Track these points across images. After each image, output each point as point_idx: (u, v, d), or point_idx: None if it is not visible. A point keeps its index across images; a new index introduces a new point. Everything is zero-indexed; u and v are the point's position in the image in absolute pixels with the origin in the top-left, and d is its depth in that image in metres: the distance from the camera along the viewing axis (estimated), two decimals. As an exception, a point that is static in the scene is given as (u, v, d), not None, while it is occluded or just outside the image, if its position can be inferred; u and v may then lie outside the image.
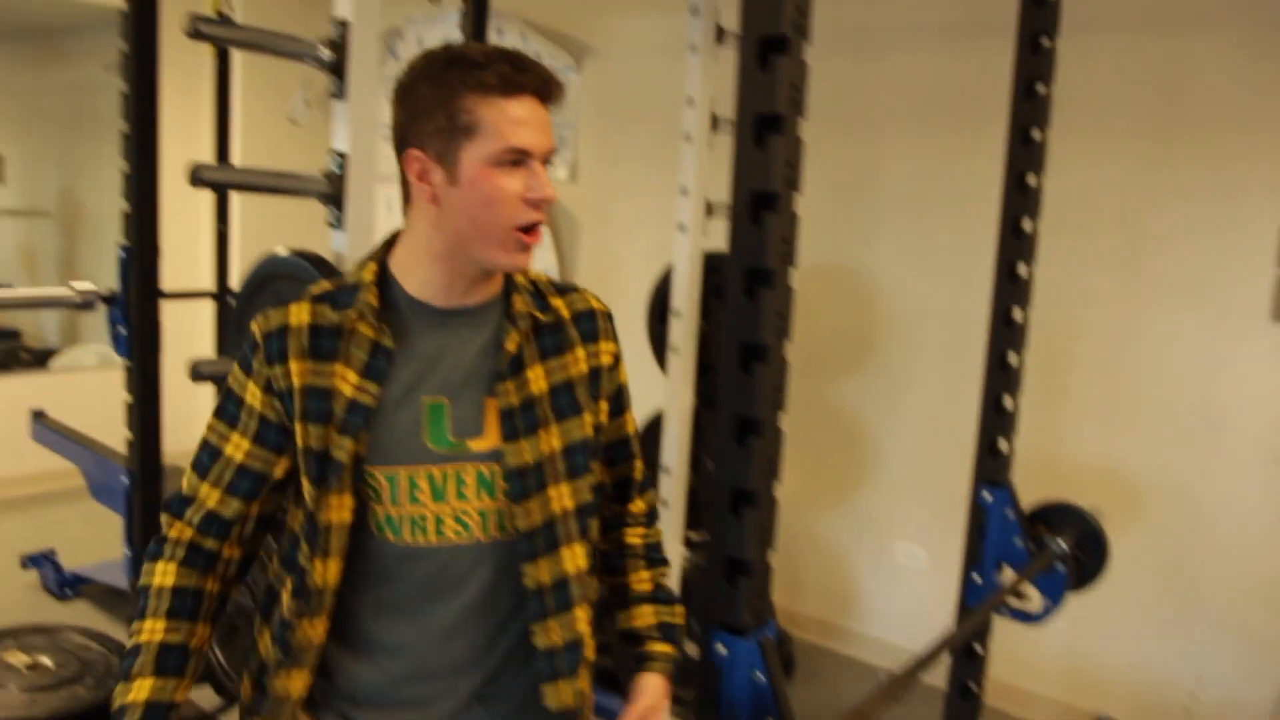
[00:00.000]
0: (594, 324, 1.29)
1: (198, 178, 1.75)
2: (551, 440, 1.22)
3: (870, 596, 3.46)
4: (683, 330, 2.60)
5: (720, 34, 2.53)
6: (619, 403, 1.35)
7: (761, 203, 1.30)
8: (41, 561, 3.64)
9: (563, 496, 1.22)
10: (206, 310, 4.49)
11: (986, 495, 2.11)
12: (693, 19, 2.50)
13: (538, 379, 1.22)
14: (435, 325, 1.20)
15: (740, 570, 1.40)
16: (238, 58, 4.73)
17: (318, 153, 5.12)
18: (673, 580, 2.71)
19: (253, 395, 1.18)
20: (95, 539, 3.99)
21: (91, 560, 3.67)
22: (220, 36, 1.73)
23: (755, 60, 1.27)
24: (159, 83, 2.44)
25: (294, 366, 1.15)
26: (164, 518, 1.21)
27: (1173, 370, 2.78)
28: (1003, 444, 2.11)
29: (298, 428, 1.16)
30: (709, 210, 2.61)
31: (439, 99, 1.11)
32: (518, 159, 1.11)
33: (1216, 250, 2.70)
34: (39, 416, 3.11)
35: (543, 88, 1.13)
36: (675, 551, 2.71)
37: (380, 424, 1.16)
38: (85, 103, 5.59)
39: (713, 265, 2.66)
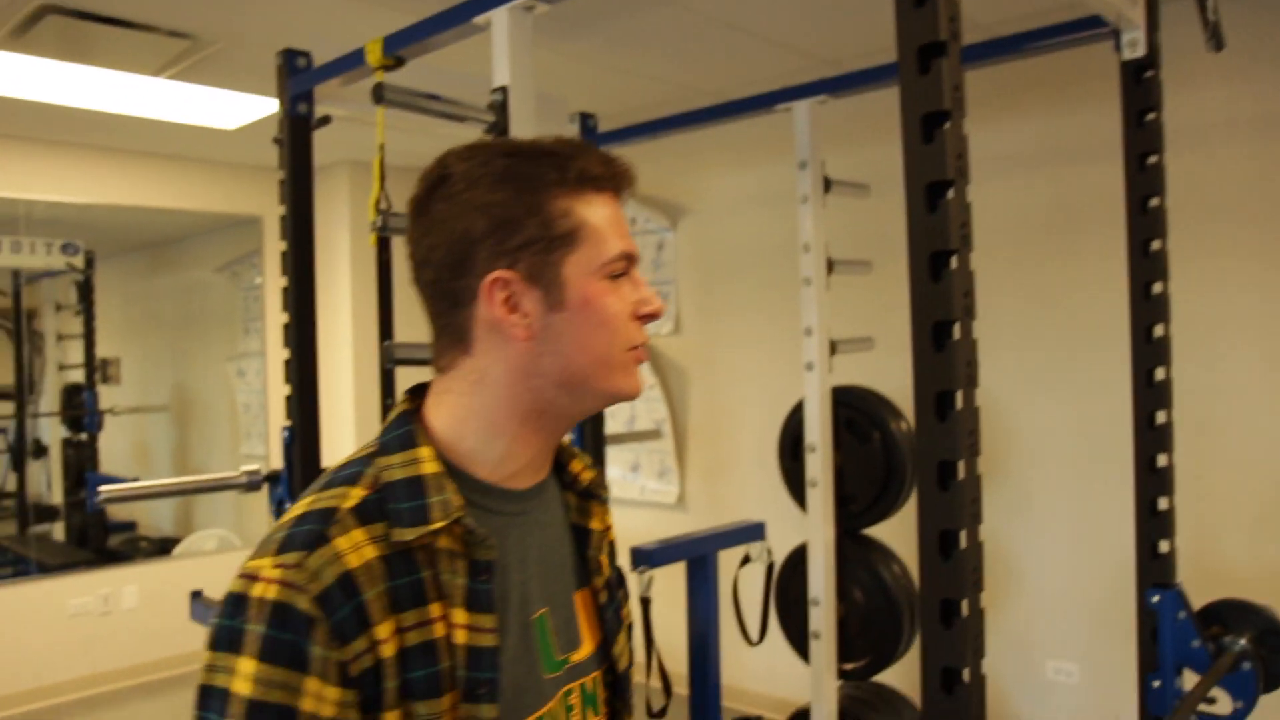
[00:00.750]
0: (605, 480, 1.08)
1: (391, 357, 1.92)
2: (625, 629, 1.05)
3: (1022, 717, 3.38)
4: (819, 464, 2.68)
5: (827, 184, 2.72)
6: None
7: (942, 331, 1.42)
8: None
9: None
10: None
11: (1155, 598, 2.12)
12: (801, 172, 2.69)
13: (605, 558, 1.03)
14: (516, 514, 0.92)
15: (955, 680, 1.45)
16: (346, 241, 5.10)
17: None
18: (831, 711, 2.71)
19: (318, 701, 0.76)
20: None
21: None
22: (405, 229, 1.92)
23: (924, 204, 1.41)
24: (315, 275, 2.66)
25: (383, 630, 0.79)
26: None
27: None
28: (1164, 545, 2.13)
29: (391, 718, 0.79)
30: (833, 348, 2.73)
31: (523, 202, 0.86)
32: (626, 268, 0.91)
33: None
34: (197, 596, 3.25)
35: (629, 182, 0.94)
36: (830, 684, 2.72)
37: (503, 667, 0.86)
38: (194, 303, 5.98)
39: (841, 399, 2.77)
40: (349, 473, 0.87)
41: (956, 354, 1.41)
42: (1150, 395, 2.12)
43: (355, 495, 0.83)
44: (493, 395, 0.89)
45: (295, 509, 0.84)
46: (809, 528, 2.74)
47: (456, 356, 0.91)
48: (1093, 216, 3.13)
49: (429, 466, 0.85)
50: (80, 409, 5.39)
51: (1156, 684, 2.12)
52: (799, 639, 2.90)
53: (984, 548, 1.48)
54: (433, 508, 0.83)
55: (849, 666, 2.85)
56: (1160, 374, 2.12)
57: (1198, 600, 2.16)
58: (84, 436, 5.39)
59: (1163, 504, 2.13)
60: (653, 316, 0.93)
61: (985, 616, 1.49)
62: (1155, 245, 2.09)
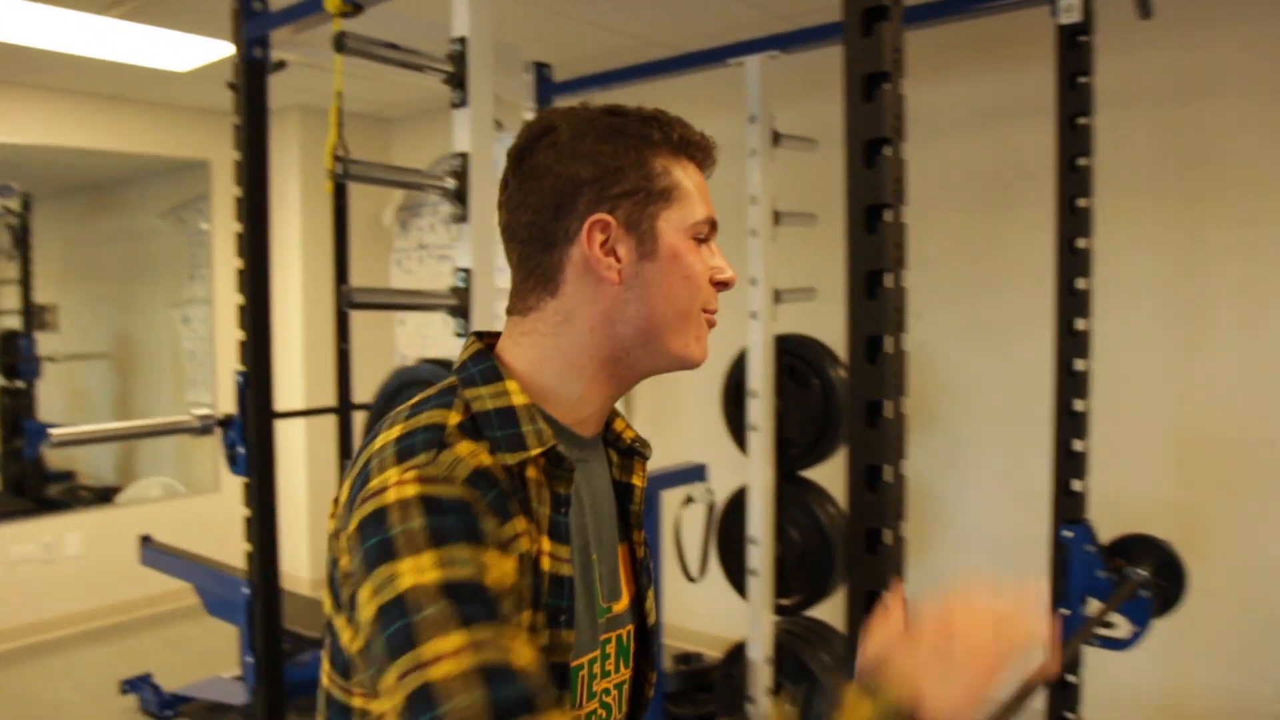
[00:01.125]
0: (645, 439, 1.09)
1: (350, 300, 1.97)
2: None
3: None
4: (761, 409, 2.80)
5: (776, 138, 2.81)
6: None
7: (874, 280, 1.52)
8: (140, 685, 3.76)
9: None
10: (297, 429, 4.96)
11: (1066, 533, 2.28)
12: (750, 125, 2.77)
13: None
14: (580, 460, 0.95)
15: (878, 603, 1.57)
16: (301, 186, 5.07)
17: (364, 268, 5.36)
18: (766, 645, 2.86)
19: (501, 567, 0.77)
20: (183, 661, 4.15)
21: (182, 682, 3.80)
22: (367, 176, 1.96)
23: (862, 159, 1.50)
24: (269, 222, 2.68)
25: (520, 523, 0.82)
26: None
27: (1231, 409, 2.94)
28: (1076, 484, 2.30)
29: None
30: (776, 297, 2.84)
31: (628, 157, 0.91)
32: (708, 235, 0.96)
33: (1257, 294, 2.89)
34: (147, 541, 3.28)
35: (715, 160, 1.00)
36: (767, 619, 2.86)
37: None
38: (138, 249, 5.89)
39: (783, 347, 2.88)
40: (438, 401, 0.88)
41: (887, 301, 1.51)
42: (1071, 344, 2.27)
43: (454, 417, 0.85)
44: (577, 337, 0.91)
45: (390, 432, 0.85)
46: (749, 470, 2.86)
47: (543, 298, 0.92)
48: (1025, 175, 3.27)
49: (519, 398, 0.88)
50: (16, 356, 5.31)
51: (1065, 612, 2.29)
52: (738, 577, 3.04)
53: (911, 487, 1.60)
54: (527, 435, 0.85)
55: (785, 602, 3.00)
56: (1080, 324, 2.26)
57: (1106, 536, 2.33)
58: (20, 384, 5.32)
59: (1078, 446, 2.29)
60: (726, 285, 0.97)
61: (909, 550, 1.61)
62: (1082, 203, 2.22)
